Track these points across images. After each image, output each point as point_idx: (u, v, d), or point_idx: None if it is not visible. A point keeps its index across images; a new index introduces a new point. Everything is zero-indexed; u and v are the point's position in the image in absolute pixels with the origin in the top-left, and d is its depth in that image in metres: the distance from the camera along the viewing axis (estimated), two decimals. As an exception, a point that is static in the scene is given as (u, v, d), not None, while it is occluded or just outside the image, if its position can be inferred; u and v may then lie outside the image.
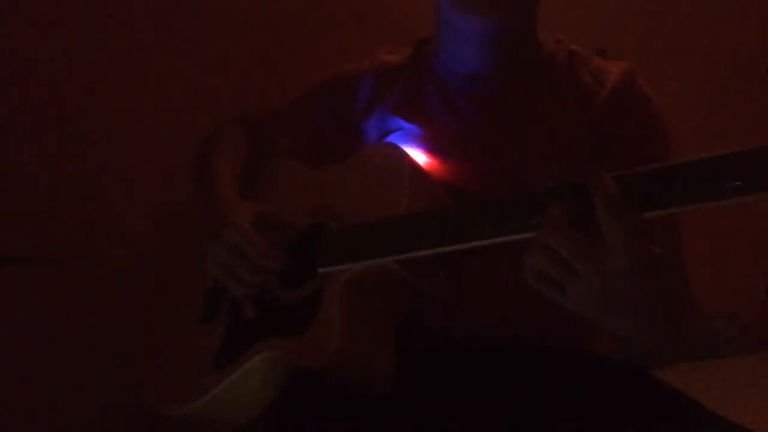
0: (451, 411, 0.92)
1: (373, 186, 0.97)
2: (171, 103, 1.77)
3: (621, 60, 1.07)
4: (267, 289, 1.01)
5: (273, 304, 1.00)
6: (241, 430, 0.99)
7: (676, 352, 0.89)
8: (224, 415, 1.00)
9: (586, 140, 0.99)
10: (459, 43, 1.04)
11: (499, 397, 0.93)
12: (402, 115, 1.06)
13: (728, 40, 2.45)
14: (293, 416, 0.92)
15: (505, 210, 0.76)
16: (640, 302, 0.72)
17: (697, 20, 2.43)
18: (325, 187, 1.06)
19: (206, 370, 1.01)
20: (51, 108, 1.69)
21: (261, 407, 0.96)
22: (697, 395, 0.87)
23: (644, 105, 1.02)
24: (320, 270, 0.94)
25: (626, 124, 0.99)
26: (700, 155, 0.64)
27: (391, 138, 1.05)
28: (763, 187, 0.59)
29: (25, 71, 1.67)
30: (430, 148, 1.02)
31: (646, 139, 0.99)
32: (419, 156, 1.01)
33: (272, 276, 0.99)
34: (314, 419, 0.88)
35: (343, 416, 0.88)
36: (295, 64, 1.86)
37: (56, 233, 1.68)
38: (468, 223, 0.79)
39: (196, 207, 1.15)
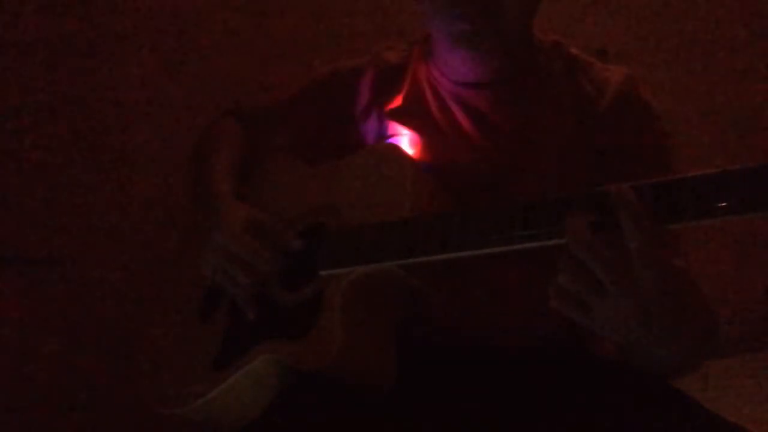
0: (451, 412, 0.92)
1: (376, 186, 0.97)
2: (171, 102, 1.77)
3: (621, 61, 1.06)
4: (267, 290, 1.00)
5: (273, 305, 1.00)
6: (241, 431, 0.99)
7: (694, 365, 0.88)
8: (224, 415, 1.00)
9: (584, 148, 0.98)
10: (453, 55, 1.04)
11: (500, 398, 0.93)
12: (400, 120, 1.06)
13: (728, 39, 2.45)
14: (293, 417, 0.92)
15: (515, 218, 0.75)
16: (666, 317, 0.71)
17: (697, 20, 2.42)
18: (324, 186, 1.06)
19: (207, 370, 1.01)
20: (51, 108, 1.69)
21: (261, 408, 0.96)
22: (697, 395, 0.87)
23: (644, 114, 1.01)
24: (321, 272, 0.94)
25: (627, 133, 0.98)
26: (713, 169, 0.64)
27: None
28: None
29: (24, 72, 1.67)
30: (427, 154, 1.02)
31: (645, 149, 0.97)
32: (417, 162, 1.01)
33: (267, 277, 0.99)
34: (314, 420, 0.88)
35: (343, 417, 0.88)
36: (294, 59, 1.86)
37: (56, 233, 1.68)
38: (475, 231, 0.78)
39: (193, 204, 1.15)
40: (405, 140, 1.04)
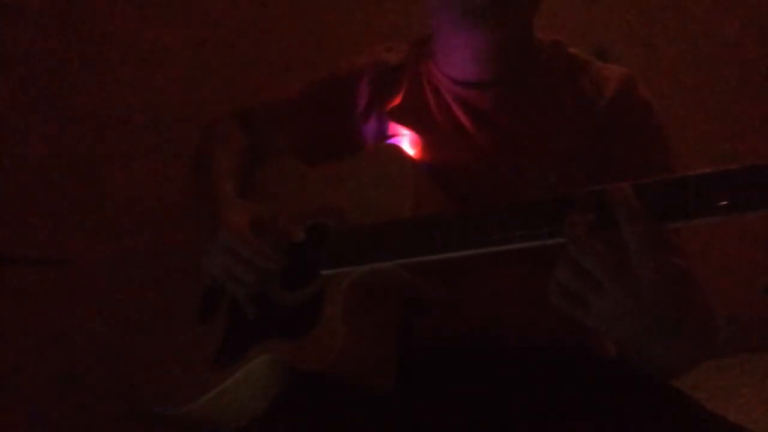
0: (451, 412, 0.92)
1: (377, 187, 0.97)
2: (171, 102, 1.77)
3: (620, 61, 1.07)
4: (267, 290, 1.00)
5: (273, 304, 1.00)
6: (241, 430, 0.99)
7: (693, 364, 0.88)
8: (224, 415, 1.00)
9: (585, 148, 0.98)
10: (455, 52, 1.04)
11: (500, 398, 0.93)
12: (400, 120, 1.06)
13: (728, 39, 2.45)
14: (293, 416, 0.92)
15: (515, 217, 0.75)
16: (665, 317, 0.71)
17: (697, 20, 2.42)
18: (326, 187, 1.05)
19: (206, 369, 1.01)
20: (51, 108, 1.69)
21: (261, 407, 0.96)
22: (698, 395, 0.87)
23: (644, 112, 1.01)
24: (323, 272, 0.94)
25: (626, 132, 0.98)
26: (713, 168, 0.64)
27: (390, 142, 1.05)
28: None
29: (25, 71, 1.67)
30: (427, 154, 1.02)
31: (645, 147, 0.98)
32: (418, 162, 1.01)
33: (270, 276, 0.99)
34: (314, 420, 0.88)
35: (343, 417, 0.88)
36: (293, 59, 1.86)
37: (56, 233, 1.68)
38: (476, 230, 0.78)
39: (194, 204, 1.15)
40: (405, 140, 1.04)
